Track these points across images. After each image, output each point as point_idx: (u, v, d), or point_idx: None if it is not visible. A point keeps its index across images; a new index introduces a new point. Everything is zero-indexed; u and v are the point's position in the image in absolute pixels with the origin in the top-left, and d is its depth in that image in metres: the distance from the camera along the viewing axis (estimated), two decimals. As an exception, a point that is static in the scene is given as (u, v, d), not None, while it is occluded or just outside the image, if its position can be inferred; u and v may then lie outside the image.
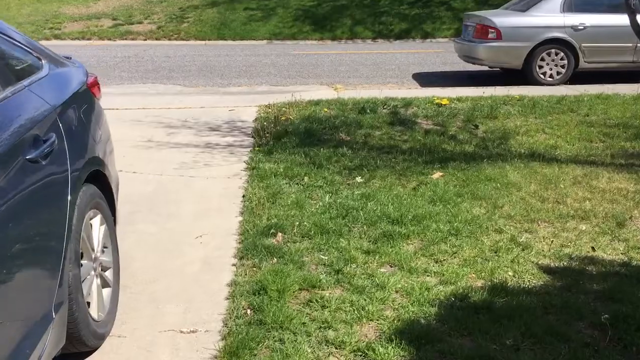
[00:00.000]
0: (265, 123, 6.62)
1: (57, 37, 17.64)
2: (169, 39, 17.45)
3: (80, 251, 2.37)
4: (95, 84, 2.98)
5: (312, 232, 3.81)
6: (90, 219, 2.55)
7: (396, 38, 17.19)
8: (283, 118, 6.79)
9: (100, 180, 2.66)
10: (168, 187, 4.73)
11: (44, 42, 16.02)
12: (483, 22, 9.38)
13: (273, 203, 4.31)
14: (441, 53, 13.33)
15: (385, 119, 6.75)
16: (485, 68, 10.10)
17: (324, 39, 17.10)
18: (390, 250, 3.59)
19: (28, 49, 2.38)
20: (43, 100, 2.19)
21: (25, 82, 2.18)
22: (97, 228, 2.59)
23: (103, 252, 2.66)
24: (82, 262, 2.42)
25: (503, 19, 9.39)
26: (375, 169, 5.12)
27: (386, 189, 4.63)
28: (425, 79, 10.21)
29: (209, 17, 18.85)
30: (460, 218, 4.04)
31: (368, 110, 7.01)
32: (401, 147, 5.76)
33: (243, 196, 4.48)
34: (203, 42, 17.04)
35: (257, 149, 5.68)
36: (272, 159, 5.33)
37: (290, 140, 5.89)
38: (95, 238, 2.56)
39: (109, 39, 17.42)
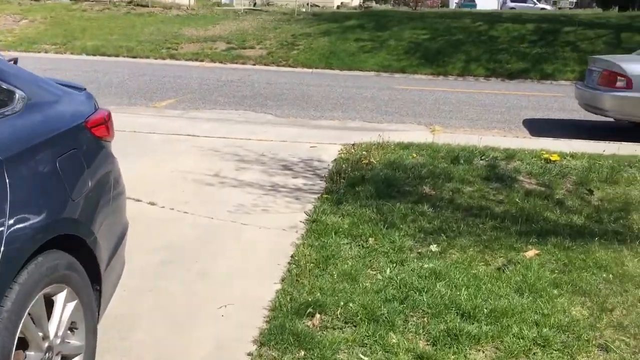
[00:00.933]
0: (343, 166, 5.99)
1: (172, 56, 18.25)
2: (277, 65, 17.46)
3: (24, 338, 1.84)
4: (102, 122, 2.49)
5: (359, 317, 3.09)
6: (51, 296, 2.03)
7: (511, 78, 16.03)
8: (365, 162, 6.13)
9: (77, 246, 2.15)
10: (214, 234, 4.20)
11: (159, 62, 16.63)
12: (611, 68, 8.19)
13: (323, 270, 3.64)
14: (560, 97, 12.09)
15: (480, 172, 5.87)
16: (610, 120, 8.84)
17: (434, 74, 16.31)
18: (452, 358, 2.78)
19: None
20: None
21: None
22: (59, 307, 2.06)
23: (68, 335, 2.13)
24: (28, 353, 1.89)
25: (635, 65, 8.14)
26: (457, 235, 4.30)
27: (464, 265, 3.80)
28: (537, 126, 9.13)
29: (319, 46, 18.72)
30: (552, 321, 3.14)
31: (462, 161, 6.16)
32: (493, 210, 4.88)
33: (292, 256, 3.85)
34: (310, 70, 16.86)
35: (325, 196, 5.04)
36: (339, 210, 4.67)
37: (365, 189, 5.20)
38: (55, 320, 2.03)
39: (220, 62, 17.74)
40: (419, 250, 4.04)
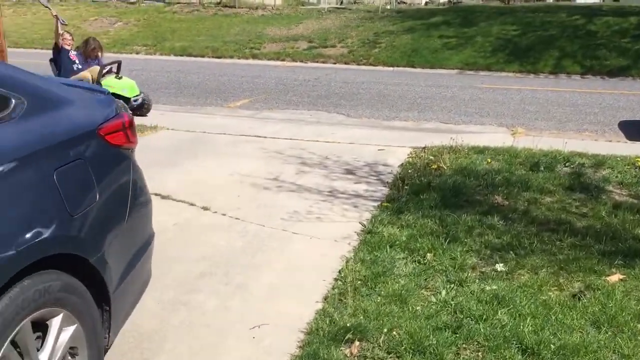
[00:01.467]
0: (410, 171, 5.64)
1: (254, 56, 18.42)
2: (358, 64, 17.17)
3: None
4: (119, 129, 2.31)
5: (403, 346, 2.76)
6: (45, 320, 1.87)
7: (610, 75, 14.81)
8: (434, 167, 5.73)
9: (78, 265, 1.98)
10: (261, 243, 3.99)
11: (241, 61, 16.79)
12: None
13: (371, 289, 3.32)
14: (665, 97, 10.98)
15: (562, 181, 5.31)
16: None
17: (522, 71, 15.39)
18: (505, 404, 2.40)
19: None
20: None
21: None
22: (54, 332, 1.90)
23: (66, 360, 1.97)
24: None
25: None
26: (528, 253, 3.84)
27: (532, 289, 3.36)
28: (635, 129, 8.27)
29: (402, 43, 18.23)
30: (634, 364, 2.67)
31: (542, 167, 5.61)
32: (574, 225, 4.35)
33: (339, 272, 3.56)
34: (391, 68, 16.44)
35: (385, 204, 4.71)
36: (399, 221, 4.32)
37: (430, 197, 4.82)
38: (48, 348, 1.87)
39: (301, 61, 17.69)
40: (483, 270, 3.64)
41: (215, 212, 4.55)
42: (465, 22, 19.73)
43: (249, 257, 3.77)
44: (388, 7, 25.70)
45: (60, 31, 7.96)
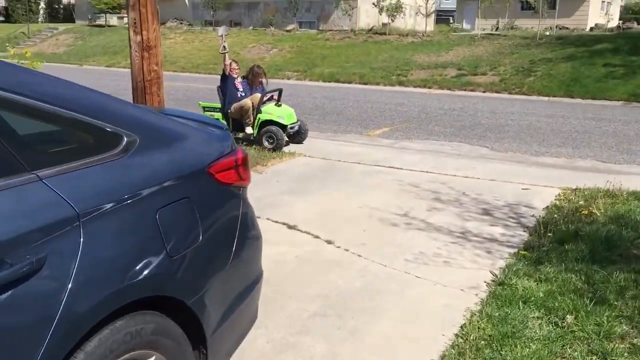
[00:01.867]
0: (555, 215, 5.10)
1: (401, 83, 18.35)
2: (509, 93, 16.36)
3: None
4: (231, 166, 2.27)
5: None
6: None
7: None
8: (584, 212, 5.14)
9: (174, 307, 1.94)
10: (381, 286, 3.78)
11: (387, 88, 16.82)
12: None
13: (496, 351, 2.97)
14: None
15: None
16: None
17: (703, 105, 13.61)
18: None
19: (94, 121, 1.79)
20: (59, 198, 1.58)
21: (48, 170, 1.61)
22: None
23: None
24: None
25: None
26: (695, 328, 3.23)
27: (698, 376, 2.79)
28: None
29: (560, 72, 17.09)
30: None
31: None
32: None
33: (461, 327, 3.25)
34: (546, 98, 15.45)
35: (522, 252, 4.27)
36: (536, 273, 3.88)
37: (576, 248, 4.29)
38: (137, 388, 1.84)
39: (448, 89, 17.28)
40: (634, 341, 3.11)
41: (339, 246, 4.44)
42: (634, 49, 18.03)
43: (365, 300, 3.58)
44: (547, 33, 24.31)
45: (228, 61, 8.25)
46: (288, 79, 19.92)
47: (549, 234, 4.60)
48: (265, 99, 8.34)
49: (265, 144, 8.01)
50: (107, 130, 1.87)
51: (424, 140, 9.36)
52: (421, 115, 11.97)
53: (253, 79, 8.48)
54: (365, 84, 18.39)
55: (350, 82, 18.68)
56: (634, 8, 51.76)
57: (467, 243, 4.54)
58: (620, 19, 46.01)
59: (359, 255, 4.27)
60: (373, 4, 25.80)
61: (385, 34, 24.61)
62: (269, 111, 8.19)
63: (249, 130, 8.23)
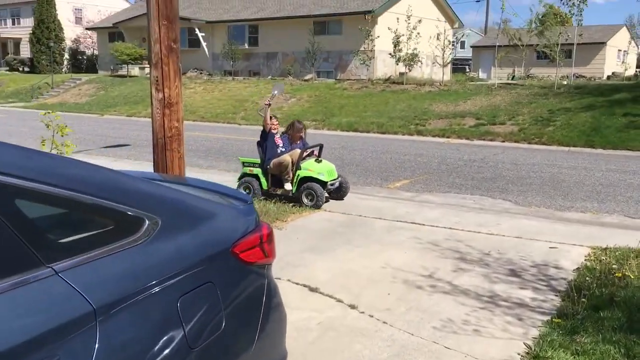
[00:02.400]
0: (587, 278, 4.90)
1: (419, 132, 18.33)
2: (529, 142, 16.24)
3: None
4: (256, 244, 2.16)
5: None
6: None
7: None
8: (618, 275, 4.93)
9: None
10: (408, 357, 3.60)
11: (406, 137, 16.79)
12: None
13: None
14: None
15: None
16: None
17: None
18: None
19: (112, 205, 1.70)
20: (76, 293, 1.48)
21: (65, 262, 1.51)
22: None
23: None
24: None
25: None
26: None
27: None
28: None
29: (580, 122, 16.99)
30: None
31: None
32: None
33: (496, 406, 3.05)
34: (566, 148, 15.29)
35: (556, 321, 4.06)
36: (573, 344, 3.67)
37: (612, 315, 4.08)
38: None
39: (467, 138, 17.21)
40: None
41: (362, 312, 4.27)
42: (655, 98, 17.91)
43: (392, 373, 3.40)
44: (565, 82, 24.34)
45: (268, 116, 7.99)
46: (306, 128, 20.01)
47: (583, 300, 4.39)
48: (305, 154, 8.11)
49: (305, 201, 7.79)
50: (127, 214, 1.78)
51: (445, 193, 9.23)
52: (441, 166, 11.87)
53: (293, 134, 8.33)
54: (384, 133, 18.40)
55: (368, 132, 18.71)
56: (651, 56, 51.86)
57: (496, 309, 4.35)
58: (637, 67, 46.14)
59: (384, 322, 4.09)
60: (390, 54, 26.14)
61: (402, 83, 24.81)
62: (309, 167, 7.99)
63: (288, 186, 8.03)
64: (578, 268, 5.24)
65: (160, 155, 5.57)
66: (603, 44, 39.11)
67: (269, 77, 30.32)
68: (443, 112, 20.05)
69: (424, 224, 6.90)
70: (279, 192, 8.09)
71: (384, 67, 28.83)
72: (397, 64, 26.43)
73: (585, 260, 5.49)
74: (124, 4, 46.16)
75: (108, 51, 36.39)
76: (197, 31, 33.61)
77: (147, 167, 9.18)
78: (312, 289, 4.69)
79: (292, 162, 7.96)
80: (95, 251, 1.64)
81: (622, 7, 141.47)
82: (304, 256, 5.58)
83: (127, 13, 39.21)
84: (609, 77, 35.28)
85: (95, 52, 42.07)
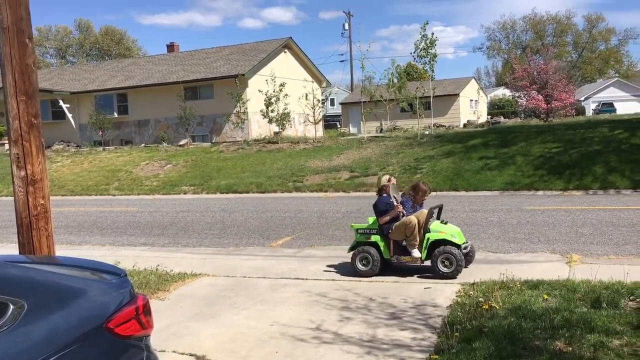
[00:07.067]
0: (459, 313, 5.26)
1: (298, 189, 18.74)
2: (401, 190, 17.14)
3: None
4: (131, 317, 2.16)
5: None
6: None
7: (664, 188, 14.25)
8: (485, 307, 5.34)
9: None
10: (299, 412, 3.65)
11: (285, 195, 17.03)
12: None
13: None
14: None
15: (629, 319, 4.82)
16: None
17: (568, 189, 15.02)
18: None
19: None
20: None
21: None
22: None
23: None
24: None
25: None
26: (602, 415, 3.36)
27: None
28: (703, 248, 7.69)
29: (443, 167, 18.31)
30: None
31: (604, 304, 5.15)
32: (651, 375, 3.84)
33: None
34: (434, 193, 16.32)
35: (433, 357, 4.32)
36: (450, 377, 3.92)
37: (483, 345, 4.41)
38: None
39: (344, 191, 17.86)
40: None
41: (252, 373, 4.26)
42: (504, 142, 19.82)
43: None
44: (427, 132, 26.23)
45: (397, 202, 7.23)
46: (185, 193, 19.73)
47: (456, 334, 4.71)
48: (431, 216, 7.21)
49: (442, 268, 6.82)
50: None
51: (326, 246, 9.49)
52: (321, 220, 12.20)
53: (416, 196, 7.51)
54: (263, 192, 18.59)
55: (247, 192, 18.81)
56: (499, 103, 57.55)
57: (379, 353, 4.53)
58: (488, 114, 50.91)
59: (273, 381, 4.11)
60: (262, 115, 26.75)
61: (277, 142, 25.38)
62: (439, 229, 7.10)
63: (416, 253, 7.07)
64: (451, 305, 5.61)
65: (26, 236, 5.26)
66: (456, 95, 42.86)
67: (142, 145, 29.65)
68: (319, 167, 20.70)
69: (307, 279, 7.04)
70: (406, 260, 7.19)
71: (259, 127, 29.37)
72: (271, 124, 27.07)
73: (456, 296, 5.89)
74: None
75: (-40, 128, 33.74)
76: (61, 103, 32.30)
77: (12, 249, 8.52)
78: (199, 358, 4.60)
79: (419, 224, 7.09)
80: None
81: (469, 62, 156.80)
82: (189, 325, 5.47)
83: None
84: (465, 125, 38.57)
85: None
